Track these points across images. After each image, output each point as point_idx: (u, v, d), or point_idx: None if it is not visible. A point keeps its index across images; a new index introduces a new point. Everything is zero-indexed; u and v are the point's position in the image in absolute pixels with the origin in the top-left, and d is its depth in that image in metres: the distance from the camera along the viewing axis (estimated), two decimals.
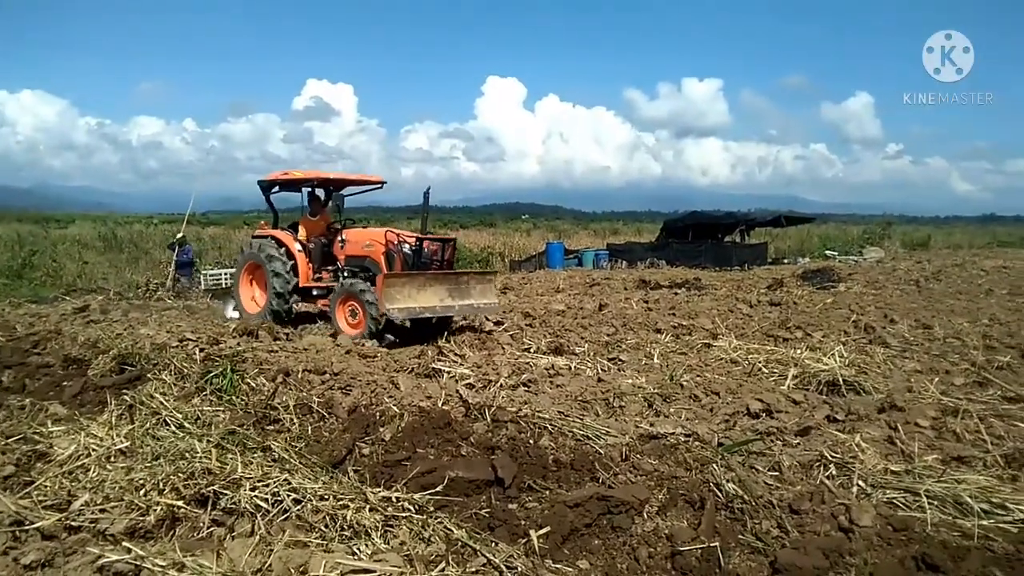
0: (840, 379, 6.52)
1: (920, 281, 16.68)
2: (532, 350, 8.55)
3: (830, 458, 4.39)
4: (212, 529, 3.50)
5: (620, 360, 8.05)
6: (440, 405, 5.46)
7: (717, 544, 3.47)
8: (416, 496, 3.88)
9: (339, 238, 10.80)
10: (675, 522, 3.75)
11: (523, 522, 3.78)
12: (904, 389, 6.41)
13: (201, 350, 7.32)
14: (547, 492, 4.10)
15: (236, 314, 11.77)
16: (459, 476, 4.19)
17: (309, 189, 11.61)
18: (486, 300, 9.99)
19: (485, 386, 6.50)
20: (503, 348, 8.59)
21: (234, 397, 5.83)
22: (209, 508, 3.64)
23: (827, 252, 30.14)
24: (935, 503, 3.82)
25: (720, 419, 5.57)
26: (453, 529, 3.56)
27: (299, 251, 10.99)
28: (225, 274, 18.95)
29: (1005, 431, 5.11)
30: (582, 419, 5.20)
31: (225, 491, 3.72)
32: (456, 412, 5.24)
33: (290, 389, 5.99)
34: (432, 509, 3.82)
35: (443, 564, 3.21)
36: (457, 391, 5.90)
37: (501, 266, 28.02)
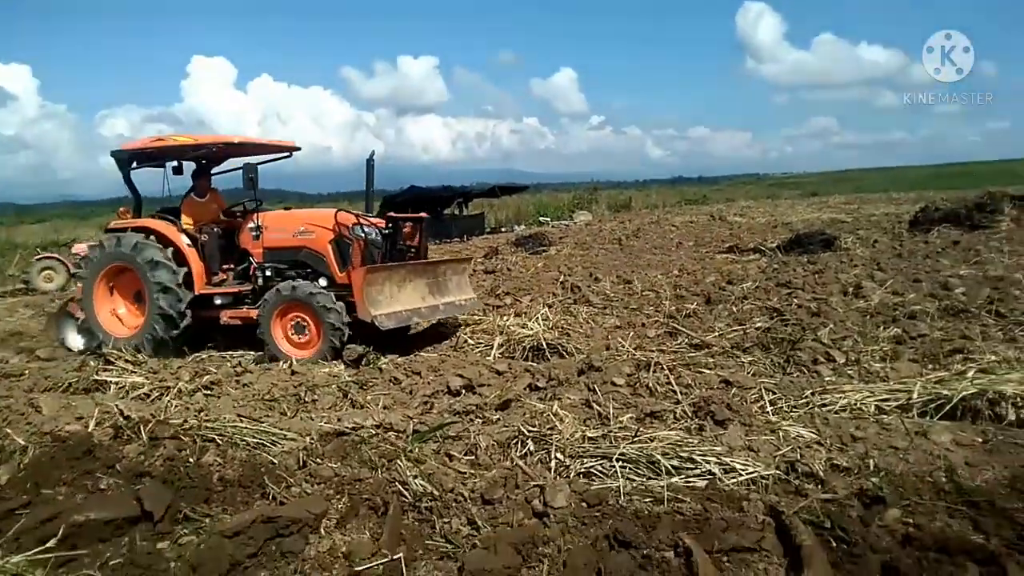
0: (544, 343, 6.45)
1: (622, 239, 17.81)
2: (223, 347, 7.65)
3: (527, 433, 4.10)
4: None
5: None
6: (93, 426, 4.48)
7: (401, 555, 3.00)
8: (16, 559, 2.98)
9: (251, 224, 7.84)
10: (355, 535, 3.23)
11: (173, 563, 3.05)
12: (603, 347, 6.46)
13: None
14: (208, 520, 3.40)
15: (82, 340, 8.34)
16: (90, 519, 3.33)
17: (190, 162, 8.46)
18: (466, 295, 8.10)
19: (161, 394, 5.59)
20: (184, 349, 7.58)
21: None
22: None
23: (541, 218, 31.71)
24: (629, 467, 3.66)
25: (419, 402, 5.19)
26: None
27: (188, 246, 7.89)
28: None
29: (692, 379, 5.21)
30: (261, 423, 4.53)
31: None
32: (104, 435, 4.31)
33: None
34: (48, 569, 2.96)
35: None
36: (117, 406, 4.89)
37: None
